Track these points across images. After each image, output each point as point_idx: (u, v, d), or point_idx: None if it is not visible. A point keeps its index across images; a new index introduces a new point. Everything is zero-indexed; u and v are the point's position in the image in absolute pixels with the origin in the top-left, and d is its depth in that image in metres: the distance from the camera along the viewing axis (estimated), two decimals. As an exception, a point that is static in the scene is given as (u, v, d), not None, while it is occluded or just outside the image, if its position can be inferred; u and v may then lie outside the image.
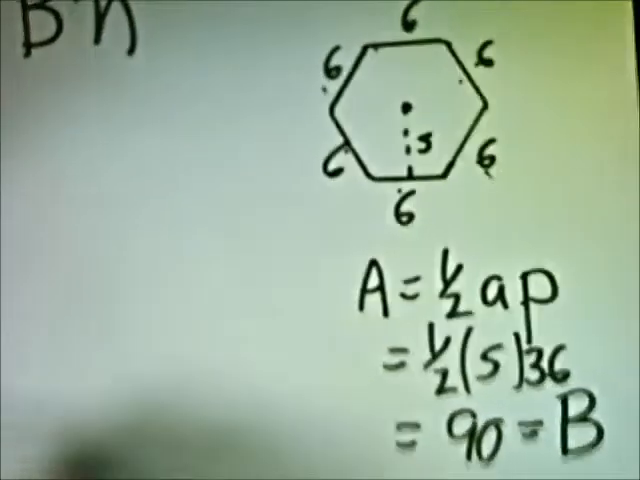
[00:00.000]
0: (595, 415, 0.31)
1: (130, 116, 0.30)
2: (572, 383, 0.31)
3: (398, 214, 0.31)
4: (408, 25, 0.30)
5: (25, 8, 0.30)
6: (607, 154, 0.30)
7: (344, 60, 0.30)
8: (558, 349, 0.31)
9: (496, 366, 0.31)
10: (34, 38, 0.31)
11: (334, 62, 0.30)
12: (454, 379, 0.31)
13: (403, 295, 0.31)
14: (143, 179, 0.31)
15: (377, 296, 0.31)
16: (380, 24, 0.30)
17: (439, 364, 0.31)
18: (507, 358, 0.31)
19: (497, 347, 0.31)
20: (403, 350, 0.31)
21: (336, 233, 0.31)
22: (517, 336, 0.31)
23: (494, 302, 0.31)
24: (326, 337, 0.31)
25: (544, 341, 0.31)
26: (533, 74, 0.30)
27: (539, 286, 0.31)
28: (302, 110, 0.30)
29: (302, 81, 0.30)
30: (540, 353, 0.31)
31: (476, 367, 0.31)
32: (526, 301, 0.31)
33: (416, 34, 0.30)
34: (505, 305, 0.31)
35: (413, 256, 0.31)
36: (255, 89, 0.30)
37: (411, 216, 0.31)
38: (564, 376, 0.31)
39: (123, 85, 0.30)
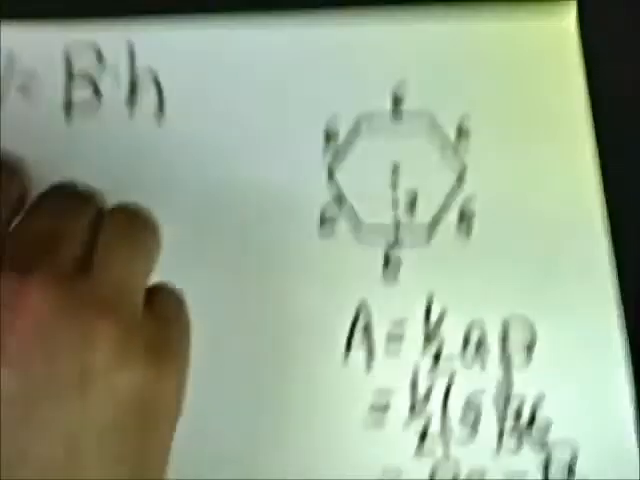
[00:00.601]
0: (579, 465, 0.31)
1: (158, 177, 0.34)
2: (554, 432, 0.31)
3: (386, 261, 0.33)
4: (397, 100, 0.34)
5: (70, 78, 0.35)
6: (576, 208, 0.33)
7: (341, 127, 0.34)
8: (539, 398, 0.31)
9: (478, 412, 0.32)
10: (75, 102, 0.35)
11: (332, 128, 0.34)
12: (437, 425, 0.32)
13: (389, 337, 0.32)
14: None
15: (364, 337, 0.32)
16: (372, 98, 0.34)
17: (423, 408, 0.32)
18: (489, 405, 0.32)
19: (480, 393, 0.32)
20: (388, 392, 0.32)
21: (328, 277, 0.33)
22: (498, 383, 0.32)
23: (477, 348, 0.32)
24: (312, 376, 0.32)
25: (525, 389, 0.32)
26: (505, 142, 0.34)
27: (519, 334, 0.32)
28: (303, 166, 0.34)
29: (304, 143, 0.34)
30: (522, 401, 0.32)
31: (459, 413, 0.32)
32: (506, 348, 0.32)
33: (403, 107, 0.34)
34: (486, 351, 0.32)
35: (399, 301, 0.33)
36: (263, 151, 0.34)
37: (398, 264, 0.33)
38: (546, 425, 0.31)
39: (152, 148, 0.34)
